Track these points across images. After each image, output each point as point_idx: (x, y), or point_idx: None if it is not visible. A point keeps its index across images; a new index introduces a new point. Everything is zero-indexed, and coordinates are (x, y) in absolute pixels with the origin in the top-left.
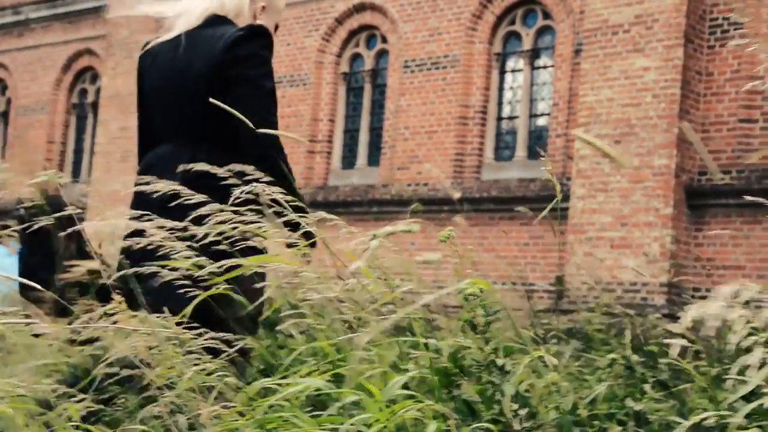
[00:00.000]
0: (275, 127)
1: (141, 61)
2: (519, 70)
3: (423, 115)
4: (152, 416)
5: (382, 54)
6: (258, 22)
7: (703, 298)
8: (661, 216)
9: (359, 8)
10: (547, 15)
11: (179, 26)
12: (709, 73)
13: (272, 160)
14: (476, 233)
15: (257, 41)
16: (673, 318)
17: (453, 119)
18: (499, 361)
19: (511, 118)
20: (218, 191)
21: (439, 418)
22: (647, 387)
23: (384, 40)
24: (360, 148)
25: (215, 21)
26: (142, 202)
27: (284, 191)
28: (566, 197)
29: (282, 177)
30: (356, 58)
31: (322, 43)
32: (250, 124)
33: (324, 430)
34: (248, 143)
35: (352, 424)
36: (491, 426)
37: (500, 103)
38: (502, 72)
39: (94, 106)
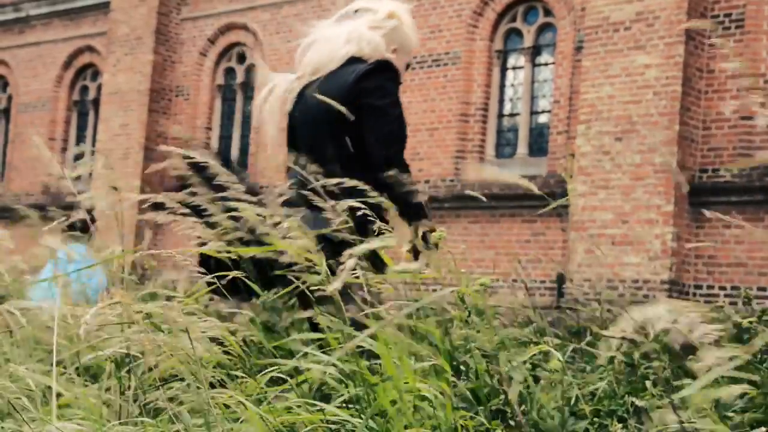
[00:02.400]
0: (400, 150)
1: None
2: (520, 67)
3: (424, 112)
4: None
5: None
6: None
7: (705, 295)
8: (663, 213)
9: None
10: (548, 12)
11: (325, 69)
12: (710, 71)
13: (397, 183)
14: (477, 230)
15: (383, 74)
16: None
17: (454, 116)
18: (503, 354)
19: (512, 115)
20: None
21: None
22: (648, 384)
23: None
24: None
25: (352, 61)
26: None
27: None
28: (567, 194)
29: (404, 195)
30: None
31: None
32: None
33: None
34: (377, 167)
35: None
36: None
37: (501, 101)
38: (504, 69)
39: (95, 103)
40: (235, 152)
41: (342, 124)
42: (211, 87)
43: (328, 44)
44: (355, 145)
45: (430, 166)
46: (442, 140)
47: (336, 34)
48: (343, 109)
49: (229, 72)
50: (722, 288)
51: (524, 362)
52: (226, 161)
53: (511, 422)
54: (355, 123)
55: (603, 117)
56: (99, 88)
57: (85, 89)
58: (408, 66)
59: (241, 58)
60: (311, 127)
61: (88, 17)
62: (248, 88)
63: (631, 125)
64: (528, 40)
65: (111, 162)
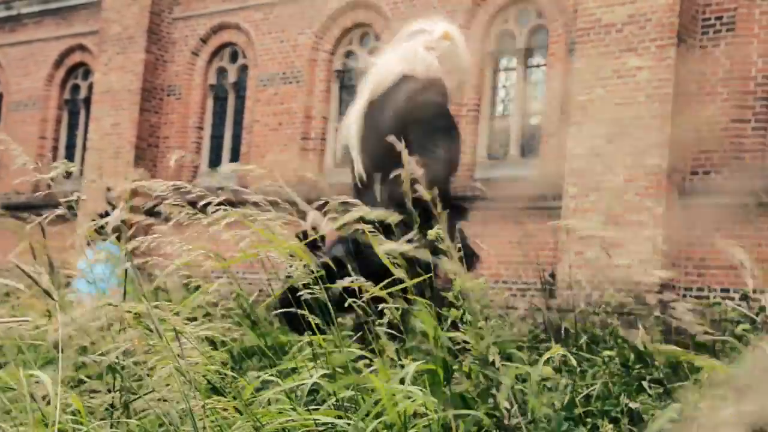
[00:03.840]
0: (445, 162)
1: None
2: (512, 69)
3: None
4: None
5: (376, 52)
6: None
7: (696, 297)
8: (654, 215)
9: (353, 6)
10: (540, 14)
11: (382, 88)
12: (701, 73)
13: (429, 178)
14: (470, 233)
15: (432, 89)
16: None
17: None
18: (493, 357)
19: (504, 116)
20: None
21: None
22: (644, 384)
23: (377, 38)
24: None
25: (406, 79)
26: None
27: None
28: (558, 196)
29: (444, 206)
30: (350, 55)
31: (315, 41)
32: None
33: (318, 423)
34: (422, 177)
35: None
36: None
37: (493, 102)
38: (496, 70)
39: (87, 102)
40: (226, 152)
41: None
42: (203, 86)
43: (384, 65)
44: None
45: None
46: None
47: (392, 54)
48: (393, 139)
49: (221, 71)
50: (713, 290)
51: (517, 365)
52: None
53: (503, 424)
54: (404, 137)
55: (594, 119)
56: (90, 86)
57: (76, 88)
58: (461, 84)
59: (234, 57)
60: (374, 145)
61: (79, 16)
62: (240, 87)
63: (622, 127)
64: (520, 42)
65: (102, 161)
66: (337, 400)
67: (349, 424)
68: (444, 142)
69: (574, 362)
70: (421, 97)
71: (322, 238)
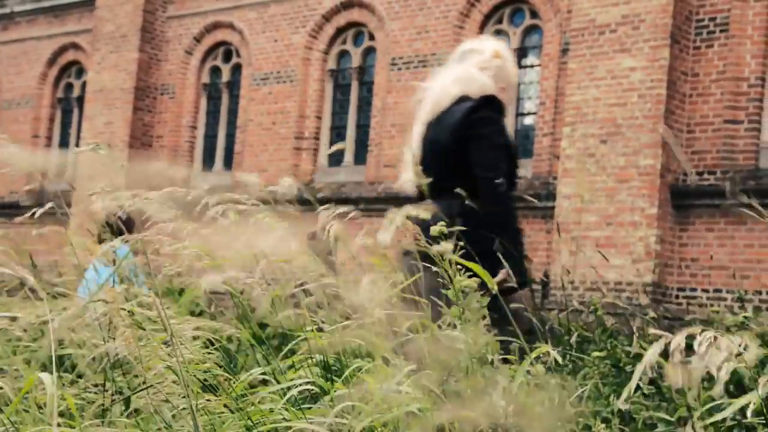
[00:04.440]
0: (504, 173)
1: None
2: None
3: (410, 113)
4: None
5: (370, 51)
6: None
7: (688, 297)
8: (646, 216)
9: (347, 5)
10: (534, 14)
11: (438, 108)
12: (694, 74)
13: (500, 206)
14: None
15: (489, 107)
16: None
17: None
18: (489, 356)
19: None
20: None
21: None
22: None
23: (371, 37)
24: (347, 145)
25: (461, 99)
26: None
27: (493, 216)
28: (552, 196)
29: (490, 203)
30: (344, 55)
31: (309, 40)
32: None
33: (311, 423)
34: (481, 187)
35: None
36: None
37: None
38: None
39: (80, 100)
40: (220, 151)
41: (455, 156)
42: (196, 85)
43: (440, 88)
44: (465, 174)
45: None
46: None
47: (447, 77)
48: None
49: (215, 71)
50: (705, 290)
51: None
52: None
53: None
54: (464, 154)
55: (588, 119)
56: (83, 85)
57: (69, 86)
58: (511, 100)
59: (228, 56)
60: (434, 161)
61: (73, 14)
62: (234, 86)
63: (615, 128)
64: (514, 42)
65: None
66: (332, 400)
67: (344, 425)
68: (503, 157)
69: (560, 361)
70: (479, 115)
71: None
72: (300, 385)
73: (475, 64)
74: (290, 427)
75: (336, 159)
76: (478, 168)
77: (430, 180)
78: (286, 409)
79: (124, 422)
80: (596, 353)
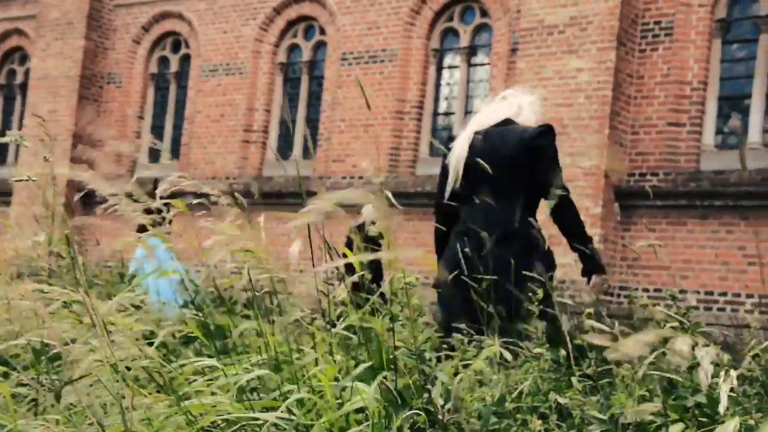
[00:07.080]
0: (564, 185)
1: (447, 145)
2: (456, 67)
3: (359, 108)
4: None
5: (320, 46)
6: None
7: (629, 296)
8: (591, 215)
9: None
10: (484, 13)
11: (484, 126)
12: (639, 77)
13: (570, 206)
14: (410, 228)
15: (551, 134)
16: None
17: (389, 113)
18: (428, 354)
19: (447, 114)
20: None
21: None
22: (574, 381)
23: (322, 31)
24: (296, 139)
25: (507, 121)
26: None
27: (579, 226)
28: None
29: (576, 215)
30: (294, 48)
31: (259, 32)
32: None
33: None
34: (565, 201)
35: (290, 413)
36: (421, 415)
37: (437, 99)
38: (439, 68)
39: (23, 87)
40: (167, 143)
41: (516, 167)
42: (143, 75)
43: (488, 111)
44: (525, 183)
45: (361, 161)
46: (377, 137)
47: (494, 107)
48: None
49: (163, 61)
50: (645, 290)
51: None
52: None
53: (437, 420)
54: (524, 167)
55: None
56: (27, 72)
57: (12, 73)
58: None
59: (176, 47)
60: (495, 168)
61: (17, 0)
62: (182, 77)
63: (562, 128)
64: (464, 40)
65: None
66: (281, 394)
67: (291, 420)
68: (560, 172)
69: (509, 356)
70: (548, 140)
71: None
72: (248, 379)
73: (525, 101)
74: (235, 421)
75: (284, 153)
76: (553, 184)
77: (481, 186)
78: (231, 404)
79: (55, 418)
80: (538, 349)
